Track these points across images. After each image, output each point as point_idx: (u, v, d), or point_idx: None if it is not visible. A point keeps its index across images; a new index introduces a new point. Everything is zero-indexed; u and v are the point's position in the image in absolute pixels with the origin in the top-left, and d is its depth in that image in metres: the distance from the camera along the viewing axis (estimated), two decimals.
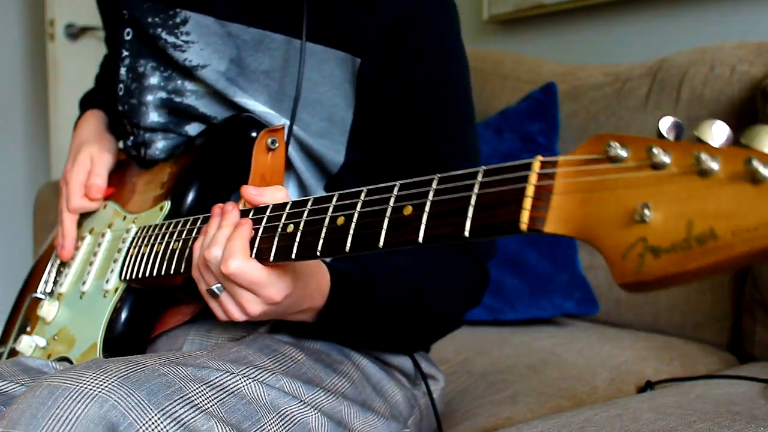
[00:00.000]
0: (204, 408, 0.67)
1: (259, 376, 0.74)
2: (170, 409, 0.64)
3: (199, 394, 0.68)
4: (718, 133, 0.41)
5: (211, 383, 0.70)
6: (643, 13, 1.87)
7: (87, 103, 1.20)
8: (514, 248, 1.52)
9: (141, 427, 0.62)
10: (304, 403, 0.76)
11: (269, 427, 0.72)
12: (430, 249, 0.88)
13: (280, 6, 0.87)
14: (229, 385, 0.71)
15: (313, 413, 0.76)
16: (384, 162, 0.90)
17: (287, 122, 0.88)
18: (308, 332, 0.84)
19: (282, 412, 0.73)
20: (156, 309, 0.90)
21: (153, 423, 0.62)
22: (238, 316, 0.70)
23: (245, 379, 0.73)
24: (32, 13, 2.98)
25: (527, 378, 1.18)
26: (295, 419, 0.74)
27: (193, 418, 0.65)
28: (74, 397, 0.61)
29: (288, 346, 0.83)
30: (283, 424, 0.73)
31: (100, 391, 0.62)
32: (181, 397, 0.66)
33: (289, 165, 0.89)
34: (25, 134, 3.04)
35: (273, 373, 0.76)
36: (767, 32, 1.60)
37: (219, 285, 0.69)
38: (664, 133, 0.44)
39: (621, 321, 1.48)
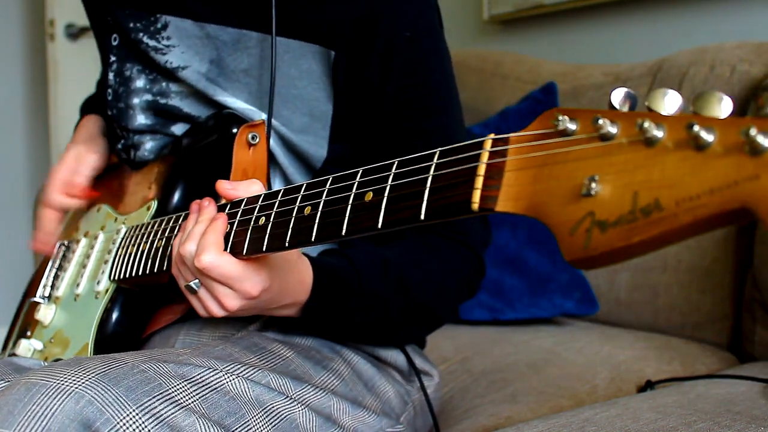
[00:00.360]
0: (185, 404, 0.67)
1: (243, 372, 0.74)
2: (149, 406, 0.64)
3: (180, 391, 0.68)
4: (669, 102, 0.40)
5: (193, 379, 0.70)
6: (643, 13, 1.87)
7: (86, 108, 1.21)
8: (514, 248, 1.52)
9: (118, 423, 0.62)
10: (291, 399, 0.76)
11: (254, 423, 0.71)
12: (420, 239, 0.88)
13: (253, 4, 0.87)
14: (211, 381, 0.71)
15: (301, 409, 0.76)
16: (367, 154, 0.88)
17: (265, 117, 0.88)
18: (295, 328, 0.84)
19: (267, 408, 0.73)
20: (147, 309, 0.90)
21: (131, 419, 0.62)
22: (217, 311, 0.70)
23: (228, 375, 0.73)
24: (32, 13, 2.98)
25: (527, 377, 1.18)
26: (281, 415, 0.74)
27: (173, 414, 0.65)
28: (50, 394, 0.61)
29: (276, 344, 0.82)
30: (269, 420, 0.73)
31: (76, 387, 0.62)
32: (161, 393, 0.66)
33: (274, 161, 0.90)
34: (25, 134, 3.04)
35: (259, 370, 0.76)
36: (767, 32, 1.60)
37: (197, 281, 0.69)
38: (616, 105, 0.43)
39: (621, 321, 1.48)
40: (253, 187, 0.71)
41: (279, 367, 0.79)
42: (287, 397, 0.75)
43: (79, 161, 1.03)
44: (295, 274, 0.74)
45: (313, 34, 0.86)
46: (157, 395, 0.65)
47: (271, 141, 0.88)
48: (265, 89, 0.88)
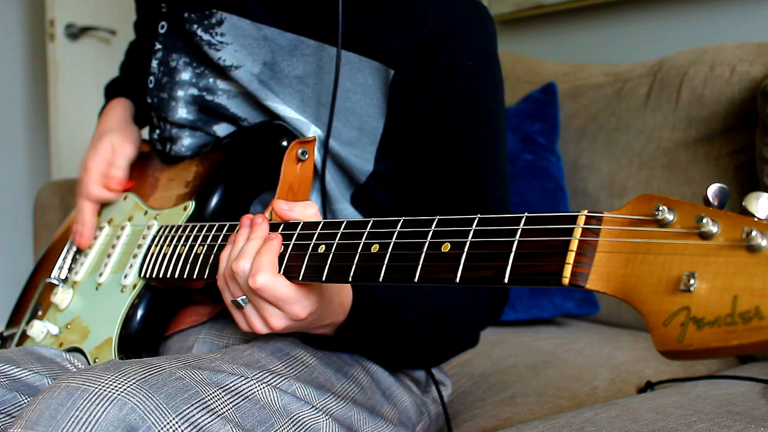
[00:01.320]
0: (220, 412, 0.67)
1: (272, 381, 0.74)
2: (187, 413, 0.64)
3: (215, 399, 0.68)
4: (763, 206, 0.42)
5: (227, 387, 0.70)
6: (643, 13, 1.87)
7: (113, 90, 1.18)
8: None
9: (160, 431, 0.62)
10: (316, 408, 0.76)
11: None
12: None
13: (317, 13, 0.87)
14: (244, 389, 0.71)
15: (324, 419, 0.76)
16: (411, 175, 0.90)
17: (317, 131, 0.88)
18: (325, 345, 0.84)
19: (294, 417, 0.73)
20: (171, 308, 0.90)
21: (171, 427, 0.62)
22: (261, 328, 0.70)
23: (259, 383, 0.73)
24: (32, 13, 2.98)
25: (527, 378, 1.17)
26: (306, 424, 0.74)
27: (209, 422, 0.65)
28: (93, 400, 0.61)
29: (299, 350, 0.83)
30: (295, 430, 0.73)
31: (119, 394, 0.62)
32: (198, 401, 0.66)
33: (315, 172, 0.89)
34: (25, 134, 3.04)
35: (285, 378, 0.76)
36: (767, 32, 1.60)
37: (244, 297, 0.69)
38: (710, 199, 0.44)
39: (621, 321, 1.48)
40: (309, 210, 0.71)
41: (303, 375, 0.79)
42: (312, 406, 0.76)
43: (115, 152, 1.02)
44: (339, 297, 0.75)
45: (373, 50, 0.86)
46: (195, 403, 0.66)
47: (318, 152, 0.88)
48: (317, 98, 0.88)
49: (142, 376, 0.65)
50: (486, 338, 1.40)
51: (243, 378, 0.72)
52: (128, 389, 0.63)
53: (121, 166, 1.01)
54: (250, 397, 0.71)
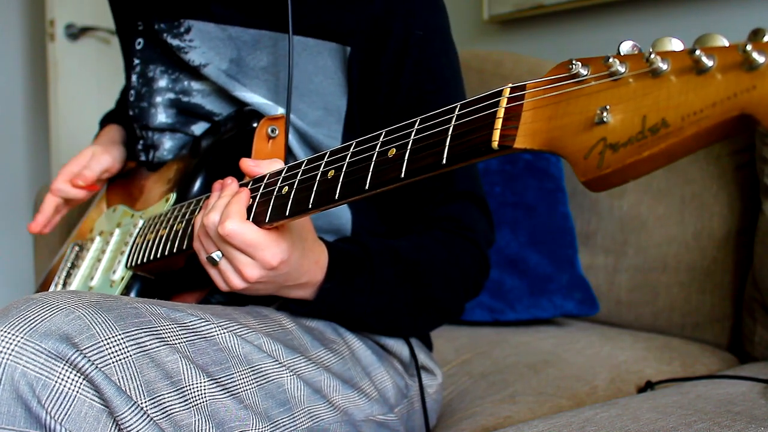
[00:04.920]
0: (171, 343, 0.68)
1: (236, 330, 0.75)
2: (135, 335, 0.65)
3: (168, 331, 0.69)
4: (673, 45, 0.45)
5: (183, 324, 0.71)
6: (643, 13, 1.87)
7: (106, 119, 1.26)
8: (515, 249, 1.52)
9: (101, 342, 0.63)
10: (281, 364, 0.76)
11: (239, 378, 0.72)
12: (427, 233, 0.90)
13: (272, 7, 0.92)
14: (202, 329, 0.72)
15: (289, 375, 0.77)
16: None
17: (284, 112, 0.91)
18: (307, 311, 0.85)
19: (255, 367, 0.74)
20: (161, 297, 0.90)
21: (115, 341, 0.63)
22: (237, 282, 0.72)
23: (221, 329, 0.74)
24: (32, 13, 2.98)
25: (527, 378, 1.18)
26: (269, 376, 0.75)
27: (157, 348, 0.66)
28: (45, 307, 0.63)
29: (282, 316, 0.84)
30: (254, 378, 0.73)
31: (70, 306, 0.64)
32: (150, 328, 0.67)
33: (290, 153, 0.92)
34: (25, 134, 3.04)
35: (253, 331, 0.77)
36: None
37: (218, 252, 0.72)
38: (623, 52, 0.47)
39: (621, 321, 1.48)
40: (276, 166, 0.73)
41: (275, 334, 0.80)
42: (277, 362, 0.76)
43: (92, 159, 1.07)
44: (313, 254, 0.77)
45: (328, 32, 0.90)
46: (146, 329, 0.67)
47: (289, 134, 0.91)
48: (282, 85, 0.92)
49: (98, 299, 0.66)
50: (486, 338, 1.40)
51: (204, 321, 0.73)
52: (81, 304, 0.64)
53: (93, 168, 1.06)
54: (207, 337, 0.72)
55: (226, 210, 0.70)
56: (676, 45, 0.45)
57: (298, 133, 0.92)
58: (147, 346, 0.65)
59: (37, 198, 2.00)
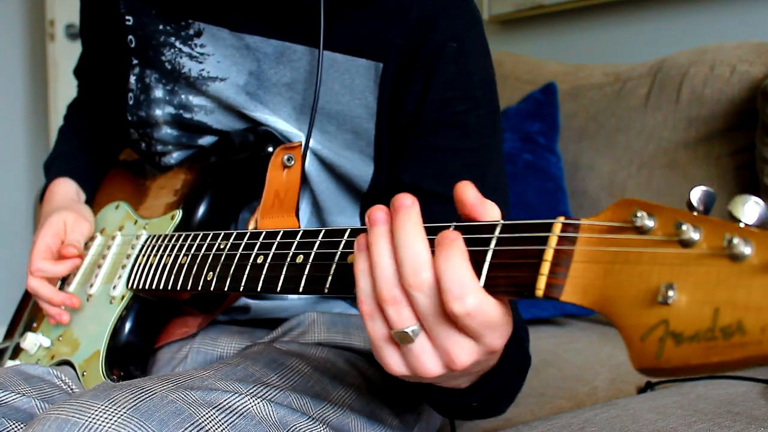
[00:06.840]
0: None
1: (267, 394, 0.73)
2: None
3: (209, 419, 0.66)
4: (750, 210, 0.38)
5: (220, 406, 0.68)
6: (643, 13, 1.87)
7: (53, 169, 1.09)
8: None
9: None
10: (312, 418, 0.75)
11: None
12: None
13: (298, 16, 0.83)
14: (238, 406, 0.70)
15: (322, 428, 0.75)
16: (402, 169, 0.85)
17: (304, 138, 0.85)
18: (453, 402, 0.67)
19: (291, 429, 0.72)
20: (161, 319, 0.89)
21: None
22: (435, 369, 0.51)
23: (253, 399, 0.71)
24: (32, 13, 2.98)
25: (527, 378, 1.17)
26: None
27: None
28: (83, 429, 0.60)
29: (294, 359, 0.81)
30: None
31: (111, 426, 0.60)
32: (192, 423, 0.64)
33: (305, 182, 0.87)
34: (25, 134, 3.04)
35: (280, 390, 0.75)
36: (767, 32, 1.60)
37: (416, 327, 0.50)
38: (695, 204, 0.41)
39: None
40: (494, 211, 0.54)
41: (299, 386, 0.78)
42: (309, 417, 0.75)
43: (69, 228, 0.95)
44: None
45: (360, 48, 0.82)
46: (189, 426, 0.64)
47: (308, 162, 0.85)
48: (308, 104, 0.84)
49: (133, 402, 0.63)
50: None
51: (237, 394, 0.70)
52: (120, 419, 0.61)
53: (78, 240, 0.93)
54: (245, 414, 0.70)
55: (450, 271, 0.47)
56: (752, 210, 0.38)
57: (323, 162, 0.85)
58: None
59: (36, 198, 2.00)
